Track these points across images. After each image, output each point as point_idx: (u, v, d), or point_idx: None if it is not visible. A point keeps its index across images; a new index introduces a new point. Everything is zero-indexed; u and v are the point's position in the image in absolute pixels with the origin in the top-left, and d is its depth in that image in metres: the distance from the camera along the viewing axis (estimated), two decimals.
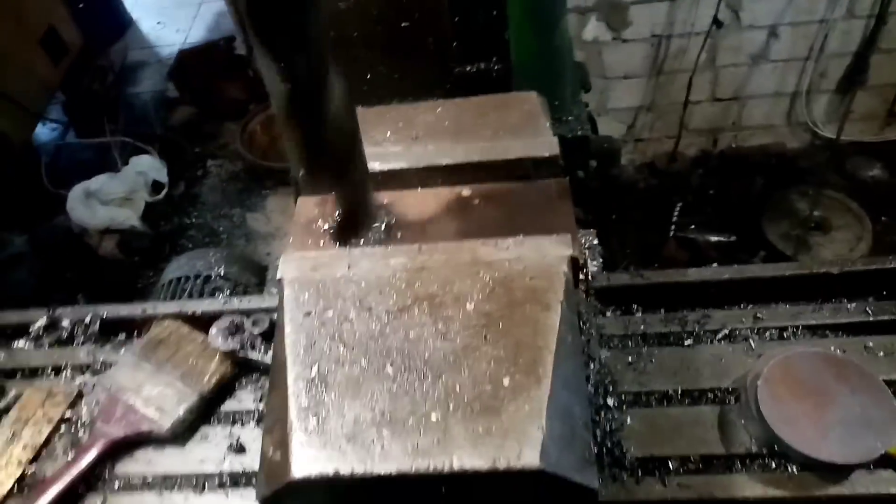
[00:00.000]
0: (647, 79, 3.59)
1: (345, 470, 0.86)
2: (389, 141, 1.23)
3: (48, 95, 4.08)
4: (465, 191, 1.18)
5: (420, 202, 1.19)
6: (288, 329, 1.00)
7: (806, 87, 3.59)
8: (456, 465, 0.85)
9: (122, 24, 4.98)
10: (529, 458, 0.84)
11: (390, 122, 1.26)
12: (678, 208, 3.54)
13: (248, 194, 4.00)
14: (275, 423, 0.95)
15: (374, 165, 1.17)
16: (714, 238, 3.48)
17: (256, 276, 2.29)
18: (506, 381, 0.91)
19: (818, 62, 3.47)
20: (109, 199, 3.80)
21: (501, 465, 0.84)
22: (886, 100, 3.68)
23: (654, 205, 3.66)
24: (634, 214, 3.59)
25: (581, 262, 1.08)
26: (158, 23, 5.13)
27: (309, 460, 0.87)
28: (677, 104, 3.62)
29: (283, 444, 0.90)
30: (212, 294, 2.05)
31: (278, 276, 1.07)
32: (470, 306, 0.99)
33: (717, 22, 3.22)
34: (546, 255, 1.03)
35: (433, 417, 0.89)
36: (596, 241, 1.67)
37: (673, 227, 3.51)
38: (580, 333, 1.07)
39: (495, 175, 1.18)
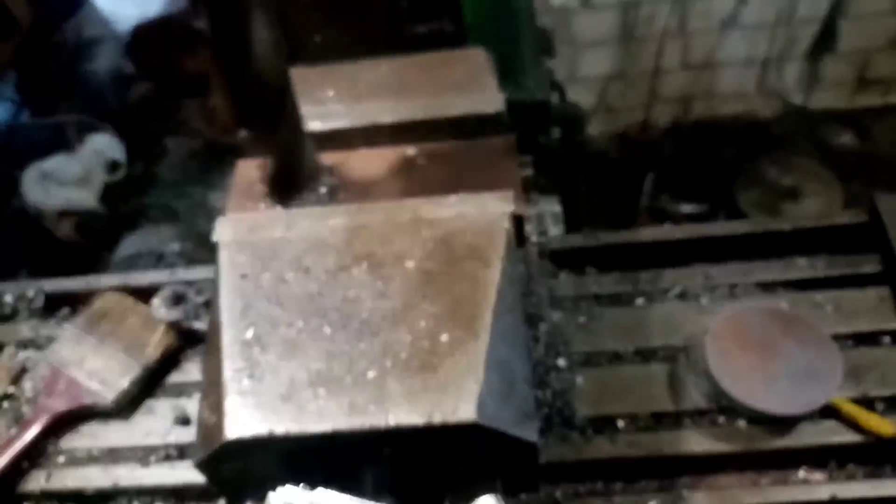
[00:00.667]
0: (616, 46, 3.55)
1: (279, 429, 0.84)
2: (332, 100, 1.20)
3: None
4: (410, 150, 1.16)
5: (364, 163, 1.16)
6: (223, 292, 0.97)
7: (776, 54, 3.58)
8: (392, 422, 0.83)
9: None
10: (465, 412, 0.82)
11: (333, 81, 1.23)
12: (650, 179, 3.53)
13: (209, 172, 3.90)
14: (210, 386, 0.92)
15: (317, 125, 1.14)
16: (686, 208, 3.48)
17: (213, 251, 2.24)
18: (443, 338, 0.89)
19: (788, 28, 3.45)
20: (66, 180, 3.70)
21: (437, 419, 0.82)
22: (857, 66, 3.68)
23: (625, 175, 3.64)
24: (605, 185, 3.57)
25: (525, 218, 1.06)
26: None
27: (243, 421, 0.85)
28: (648, 72, 3.60)
29: (217, 406, 0.88)
30: None
31: (214, 238, 1.04)
32: (410, 264, 0.97)
33: None
34: (488, 211, 1.01)
35: (370, 375, 0.87)
36: (558, 209, 1.65)
37: (645, 197, 3.50)
38: (521, 290, 1.06)
39: (440, 133, 1.15)
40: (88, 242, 3.50)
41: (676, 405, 1.15)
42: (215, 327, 0.96)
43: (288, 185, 1.08)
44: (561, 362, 1.20)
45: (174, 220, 3.61)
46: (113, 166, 3.72)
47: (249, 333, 0.93)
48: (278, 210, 1.08)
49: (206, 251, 2.15)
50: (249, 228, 1.04)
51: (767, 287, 1.29)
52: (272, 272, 0.99)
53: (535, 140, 2.01)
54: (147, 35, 4.08)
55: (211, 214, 3.54)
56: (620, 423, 1.14)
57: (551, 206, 1.65)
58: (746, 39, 3.59)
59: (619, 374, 1.20)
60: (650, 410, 1.15)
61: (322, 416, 0.85)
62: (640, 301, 1.29)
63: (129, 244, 2.08)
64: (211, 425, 0.88)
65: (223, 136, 3.87)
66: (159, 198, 3.76)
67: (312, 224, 1.03)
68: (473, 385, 0.84)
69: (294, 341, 0.92)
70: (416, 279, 0.95)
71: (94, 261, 3.46)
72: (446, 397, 0.84)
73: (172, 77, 4.08)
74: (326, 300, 0.95)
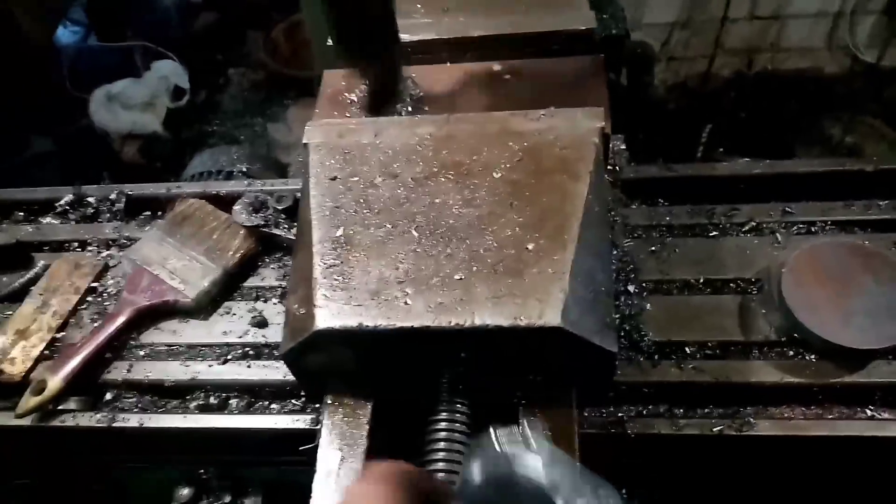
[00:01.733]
0: None
1: (368, 323, 0.87)
2: (419, 12, 1.20)
3: None
4: (496, 65, 1.16)
5: (449, 76, 1.16)
6: (313, 192, 1.00)
7: (851, 8, 3.43)
8: (478, 322, 0.85)
9: None
10: (550, 316, 0.84)
11: None
12: (707, 130, 3.45)
13: (269, 104, 3.96)
14: (300, 281, 0.96)
15: (403, 37, 1.14)
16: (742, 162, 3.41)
17: (279, 174, 2.29)
18: (530, 246, 0.90)
19: None
20: (132, 104, 3.78)
21: (522, 322, 0.84)
22: None
23: (683, 125, 3.57)
24: (663, 134, 3.51)
25: (611, 141, 1.06)
26: None
27: (333, 314, 0.88)
28: (714, 21, 3.48)
29: (307, 300, 0.91)
30: None
31: (304, 141, 1.06)
32: (497, 175, 0.98)
33: None
34: (577, 126, 1.01)
35: (456, 277, 0.89)
36: (623, 146, 1.64)
37: (701, 149, 3.43)
38: (608, 205, 1.06)
39: (527, 49, 1.15)
40: (152, 165, 3.59)
41: (746, 336, 1.15)
42: (305, 226, 0.99)
43: (377, 96, 1.09)
44: (631, 288, 1.21)
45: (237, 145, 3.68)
46: (177, 93, 3.78)
47: (339, 232, 0.96)
48: (367, 117, 1.10)
49: (273, 174, 2.21)
50: (339, 133, 1.06)
51: (846, 226, 1.27)
52: (361, 176, 1.01)
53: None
54: None
55: (271, 145, 3.59)
56: (688, 350, 1.15)
57: (618, 144, 1.64)
58: None
59: (689, 302, 1.20)
60: (718, 339, 1.15)
61: (410, 312, 0.87)
62: (713, 233, 1.28)
63: (199, 163, 2.12)
64: (300, 316, 0.92)
65: (285, 69, 3.90)
66: (221, 126, 3.83)
67: (401, 132, 1.05)
68: (559, 292, 0.86)
69: (383, 242, 0.94)
70: (503, 189, 0.97)
71: (156, 182, 3.56)
72: (532, 302, 0.86)
73: (237, 8, 4.11)
74: (414, 205, 0.97)
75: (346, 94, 1.15)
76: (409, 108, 1.13)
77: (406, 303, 0.88)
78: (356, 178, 1.01)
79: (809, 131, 3.48)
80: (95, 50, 4.20)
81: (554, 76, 1.13)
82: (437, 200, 0.97)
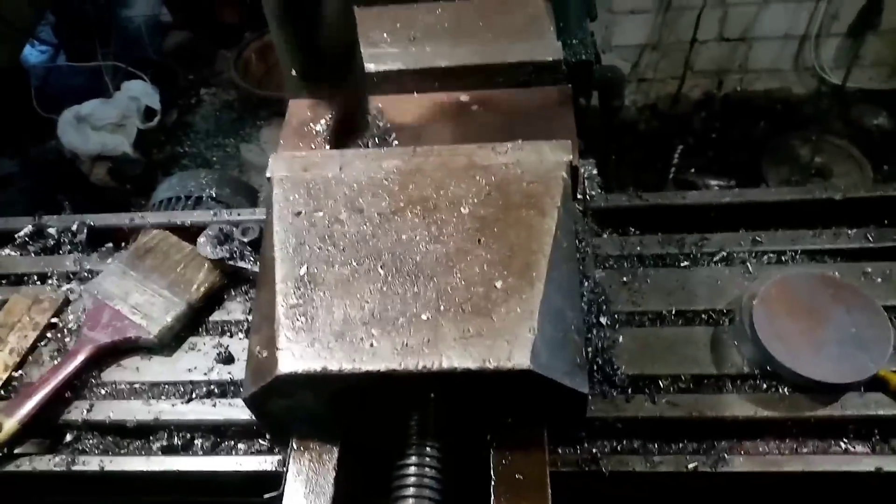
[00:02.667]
0: (654, 15, 3.49)
1: (333, 367, 0.85)
2: (386, 42, 1.19)
3: (38, 15, 3.95)
4: (463, 96, 1.14)
5: (416, 107, 1.15)
6: (277, 228, 0.98)
7: (816, 30, 3.50)
8: (445, 364, 0.83)
9: None
10: (519, 358, 0.82)
11: (388, 23, 1.21)
12: (679, 151, 3.49)
13: (242, 124, 3.93)
14: (262, 321, 0.93)
15: (370, 67, 1.13)
16: (714, 182, 3.44)
17: (248, 199, 2.25)
18: (498, 284, 0.89)
19: (830, 3, 3.37)
20: (101, 125, 3.72)
21: (491, 365, 0.82)
22: None
23: (654, 146, 3.60)
24: (634, 155, 3.54)
25: (580, 171, 1.05)
26: None
27: (297, 357, 0.86)
28: (684, 43, 3.53)
29: (270, 341, 0.89)
30: None
31: (267, 175, 1.04)
32: (464, 210, 0.96)
33: None
34: (545, 160, 1.00)
35: (423, 317, 0.87)
36: (595, 171, 1.63)
37: (673, 169, 3.46)
38: (576, 241, 1.05)
39: (495, 80, 1.14)
40: (121, 187, 3.53)
41: (719, 368, 1.14)
42: (268, 263, 0.97)
43: (342, 128, 1.08)
44: (603, 320, 1.19)
45: (207, 168, 3.63)
46: (148, 113, 3.73)
47: (303, 270, 0.93)
48: (332, 150, 1.08)
49: (242, 198, 2.17)
50: (303, 166, 1.04)
51: (815, 255, 1.27)
52: (326, 211, 0.99)
53: (576, 102, 1.98)
54: None
55: (244, 167, 3.55)
56: (661, 383, 1.13)
57: (588, 169, 1.64)
58: (787, 13, 3.52)
59: (661, 334, 1.19)
60: (692, 372, 1.14)
61: (376, 355, 0.85)
62: (684, 263, 1.28)
63: (167, 187, 2.07)
64: (263, 359, 0.89)
65: (257, 89, 3.87)
66: (193, 147, 3.78)
67: (366, 165, 1.03)
68: (528, 333, 0.84)
69: (347, 280, 0.92)
70: (470, 224, 0.95)
71: (126, 205, 3.50)
72: (500, 343, 0.84)
73: (208, 27, 4.07)
74: (380, 241, 0.95)
75: (312, 125, 1.13)
76: (376, 140, 1.11)
77: (371, 344, 0.86)
78: (321, 214, 0.99)
79: (778, 151, 3.53)
80: (64, 70, 4.14)
81: (521, 107, 1.12)
82: (403, 237, 0.95)
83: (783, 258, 1.27)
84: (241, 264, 1.28)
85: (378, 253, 0.94)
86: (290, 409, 0.93)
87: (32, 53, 4.23)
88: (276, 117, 3.88)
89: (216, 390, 1.21)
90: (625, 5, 3.45)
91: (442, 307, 0.88)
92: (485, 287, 0.89)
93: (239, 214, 1.42)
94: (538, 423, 0.92)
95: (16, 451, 1.15)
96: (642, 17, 3.51)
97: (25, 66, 4.09)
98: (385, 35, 1.19)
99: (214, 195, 2.11)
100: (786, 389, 1.11)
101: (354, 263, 0.93)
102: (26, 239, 1.47)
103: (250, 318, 1.29)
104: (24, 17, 3.73)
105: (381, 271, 0.92)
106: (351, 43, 1.01)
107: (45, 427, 1.19)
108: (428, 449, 0.90)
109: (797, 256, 1.27)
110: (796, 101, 3.78)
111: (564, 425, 0.98)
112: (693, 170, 3.52)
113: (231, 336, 1.28)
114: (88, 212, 1.51)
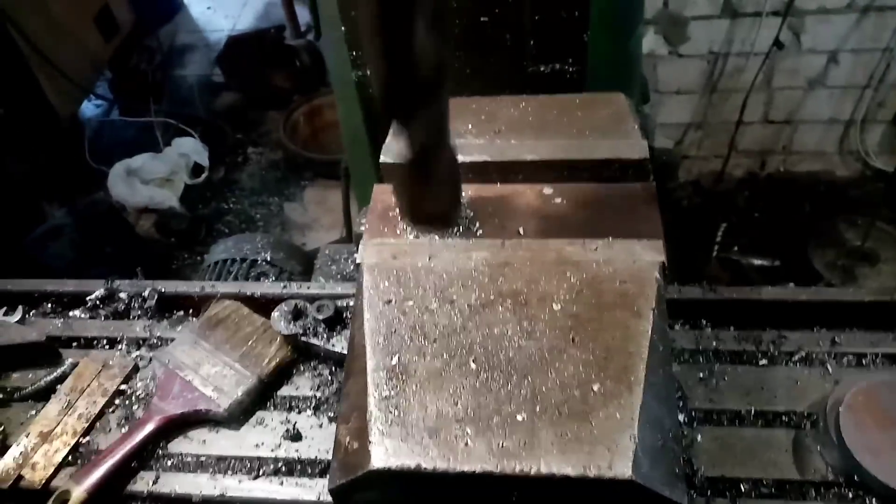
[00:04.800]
0: (699, 95, 3.54)
1: (427, 465, 0.83)
2: (471, 133, 1.21)
3: (97, 72, 4.12)
4: (547, 189, 1.15)
5: (500, 198, 1.16)
6: (367, 315, 0.98)
7: (862, 116, 3.52)
8: (544, 470, 0.81)
9: (172, 6, 5.02)
10: (621, 467, 0.81)
11: (472, 115, 1.24)
12: (722, 229, 3.48)
13: (286, 184, 4.01)
14: (352, 410, 0.92)
15: None
16: (758, 262, 3.42)
17: (302, 264, 2.27)
18: (595, 387, 0.88)
19: (877, 91, 3.40)
20: (150, 179, 3.83)
21: (592, 472, 0.81)
22: None
23: (698, 224, 3.60)
24: (678, 232, 3.53)
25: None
26: (208, 8, 5.17)
27: (390, 452, 0.85)
28: (729, 123, 3.57)
29: (361, 433, 0.88)
30: (257, 279, 2.04)
31: (357, 261, 1.05)
32: (556, 306, 0.96)
33: (777, 43, 3.17)
34: (637, 259, 1.00)
35: (519, 418, 0.86)
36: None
37: (716, 247, 3.45)
38: (670, 344, 1.04)
39: (580, 175, 1.15)
40: (167, 240, 3.60)
41: (802, 474, 1.11)
42: (358, 350, 0.97)
43: (433, 215, 1.09)
44: (681, 417, 1.17)
45: (251, 226, 3.70)
46: (196, 170, 3.83)
47: (395, 360, 0.93)
48: (421, 238, 1.09)
49: (296, 263, 2.19)
50: (393, 254, 1.05)
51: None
52: (416, 301, 0.99)
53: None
54: (239, 47, 4.21)
55: (286, 225, 3.62)
56: (743, 487, 1.10)
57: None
58: (833, 99, 3.56)
59: (741, 435, 1.17)
60: (774, 477, 1.11)
61: (471, 455, 0.84)
62: (762, 361, 1.26)
63: (223, 249, 2.11)
64: (353, 451, 0.88)
65: (303, 150, 3.96)
66: (237, 203, 3.86)
67: (456, 256, 1.04)
68: (629, 440, 0.83)
69: (440, 374, 0.91)
70: (563, 322, 0.95)
71: (170, 258, 3.56)
72: (600, 450, 0.82)
73: (259, 89, 4.21)
74: (471, 335, 0.95)
75: (397, 211, 1.14)
76: (461, 229, 1.11)
77: (466, 444, 0.84)
78: (411, 303, 0.99)
79: (824, 233, 3.51)
80: (117, 124, 4.28)
81: (606, 202, 1.12)
82: (495, 330, 0.95)
83: (863, 361, 1.25)
84: (313, 341, 1.28)
85: (470, 346, 0.93)
86: (375, 502, 0.91)
87: (88, 107, 4.39)
88: (320, 178, 3.97)
89: (283, 468, 1.20)
90: (671, 86, 3.51)
91: (537, 408, 0.87)
92: (581, 389, 0.88)
93: (308, 288, 1.43)
94: None
95: None
96: (688, 97, 3.56)
97: (81, 120, 4.24)
98: (470, 126, 1.22)
99: (269, 259, 2.14)
100: (873, 500, 1.07)
101: (446, 356, 0.93)
102: (97, 302, 1.49)
103: (319, 394, 1.28)
104: (84, 75, 3.89)
105: (473, 365, 0.92)
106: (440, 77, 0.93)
107: (111, 497, 1.18)
108: None
109: (878, 360, 1.25)
110: (841, 184, 3.78)
111: None
112: (737, 248, 3.51)
113: (299, 413, 1.27)
114: (134, 264, 1.53)
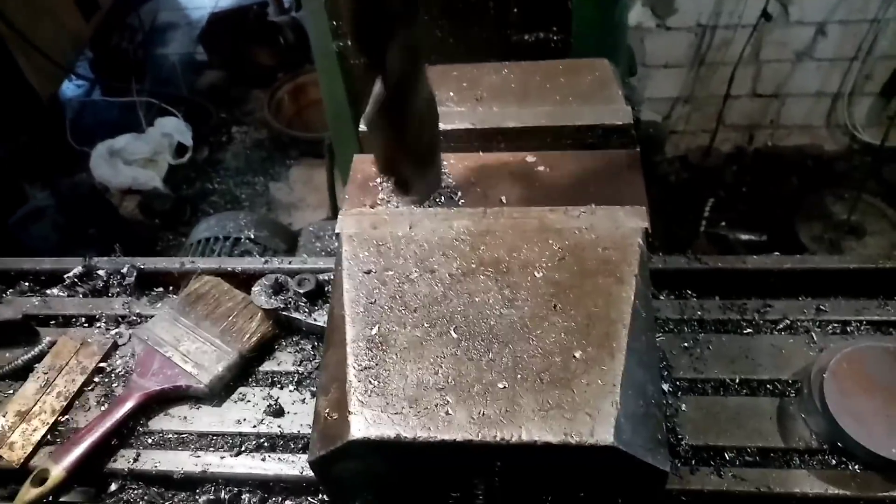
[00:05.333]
0: (687, 69, 3.52)
1: (407, 434, 0.82)
2: (452, 100, 1.19)
3: (77, 51, 4.04)
4: (530, 157, 1.13)
5: (482, 166, 1.14)
6: (347, 286, 0.96)
7: (849, 89, 3.51)
8: (525, 437, 0.80)
9: None
10: (602, 434, 0.80)
11: (454, 82, 1.21)
12: (710, 204, 3.48)
13: (271, 163, 3.97)
14: (331, 382, 0.91)
15: None
16: (745, 236, 3.42)
17: (286, 242, 2.25)
18: (577, 354, 0.86)
19: (865, 63, 3.39)
20: (133, 159, 3.77)
21: (573, 439, 0.80)
22: None
23: (685, 199, 3.60)
24: (665, 207, 3.53)
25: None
26: None
27: (369, 422, 0.84)
28: (716, 97, 3.55)
29: (341, 404, 0.86)
30: (241, 257, 2.02)
31: (336, 231, 1.03)
32: (538, 274, 0.95)
33: (765, 15, 3.15)
34: (620, 225, 0.98)
35: (500, 386, 0.85)
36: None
37: (704, 222, 3.45)
38: (652, 310, 1.03)
39: (562, 142, 1.13)
40: (150, 221, 3.56)
41: (786, 442, 1.11)
42: (337, 321, 0.95)
43: (412, 184, 1.07)
44: (666, 387, 1.16)
45: (235, 206, 3.66)
46: (179, 149, 3.78)
47: (374, 331, 0.91)
48: (401, 208, 1.07)
49: (280, 240, 2.17)
50: (372, 224, 1.03)
51: (881, 326, 1.24)
52: (396, 270, 0.97)
53: None
54: (221, 24, 4.14)
55: (272, 204, 3.58)
56: (727, 455, 1.10)
57: None
58: (820, 72, 3.54)
59: (725, 403, 1.16)
60: (758, 445, 1.11)
61: (451, 424, 0.83)
62: (747, 330, 1.25)
63: (205, 227, 2.08)
64: (333, 422, 0.87)
65: (288, 129, 3.91)
66: (222, 183, 3.82)
67: (436, 225, 1.02)
68: (610, 407, 0.82)
69: (420, 343, 0.90)
70: (544, 290, 0.93)
71: (154, 239, 3.52)
72: (582, 416, 0.81)
73: (242, 67, 4.14)
74: (452, 304, 0.93)
75: (377, 180, 1.12)
76: (443, 198, 1.10)
77: (447, 412, 0.83)
78: (391, 273, 0.97)
79: (811, 207, 3.51)
80: (99, 104, 4.22)
81: (589, 169, 1.11)
82: (476, 299, 0.93)
83: (848, 328, 1.24)
84: (294, 315, 1.26)
85: (450, 315, 0.92)
86: (356, 474, 0.90)
87: (69, 87, 4.32)
88: (305, 157, 3.93)
89: (265, 444, 1.18)
90: (658, 60, 3.48)
91: (519, 376, 0.85)
92: (563, 356, 0.86)
93: (290, 263, 1.41)
94: (611, 499, 0.89)
95: (61, 499, 1.13)
96: (675, 70, 3.54)
97: (62, 100, 4.17)
98: (451, 94, 1.19)
99: (253, 237, 2.11)
100: (857, 467, 1.07)
101: (426, 325, 0.91)
102: (75, 280, 1.47)
103: (301, 369, 1.27)
104: (64, 54, 3.82)
105: (454, 334, 0.90)
106: (434, 137, 1.01)
107: (91, 475, 1.16)
108: None
109: (863, 327, 1.24)
110: (828, 157, 3.78)
111: (639, 500, 0.94)
112: (724, 223, 3.51)
113: (281, 388, 1.25)
114: (117, 242, 1.51)
